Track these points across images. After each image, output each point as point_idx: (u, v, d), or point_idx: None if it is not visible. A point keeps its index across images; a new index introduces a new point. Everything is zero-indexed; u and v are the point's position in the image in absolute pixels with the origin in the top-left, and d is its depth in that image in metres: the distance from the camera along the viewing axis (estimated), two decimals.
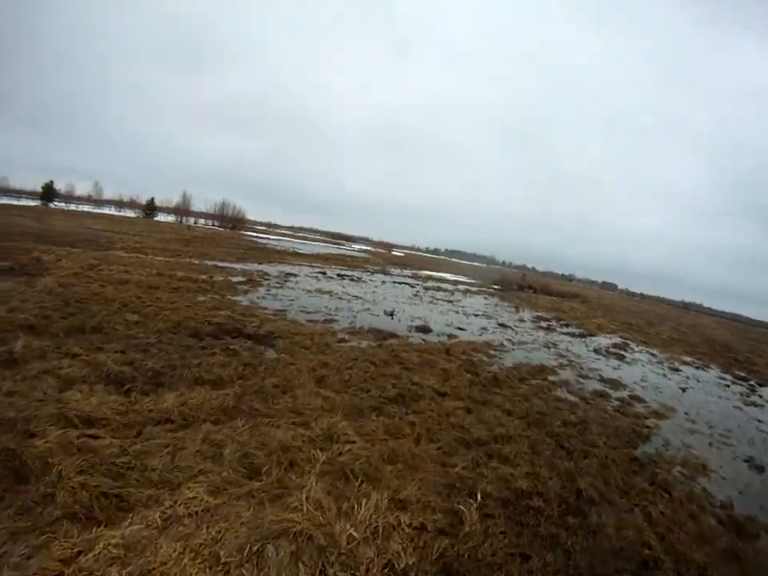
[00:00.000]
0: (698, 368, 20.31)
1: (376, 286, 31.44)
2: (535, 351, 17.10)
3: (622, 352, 20.14)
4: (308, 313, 17.25)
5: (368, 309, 20.71)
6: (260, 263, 32.76)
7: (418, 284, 39.51)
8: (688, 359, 22.23)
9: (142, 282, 16.62)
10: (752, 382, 19.14)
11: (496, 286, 51.22)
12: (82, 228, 35.67)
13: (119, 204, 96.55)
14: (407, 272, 55.28)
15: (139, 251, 26.56)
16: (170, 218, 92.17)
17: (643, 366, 18.21)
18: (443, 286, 42.05)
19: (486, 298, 38.22)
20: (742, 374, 20.71)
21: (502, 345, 17.62)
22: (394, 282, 37.26)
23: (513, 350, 16.79)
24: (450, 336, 17.66)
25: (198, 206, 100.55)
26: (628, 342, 24.47)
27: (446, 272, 65.58)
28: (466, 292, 39.97)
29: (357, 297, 24.01)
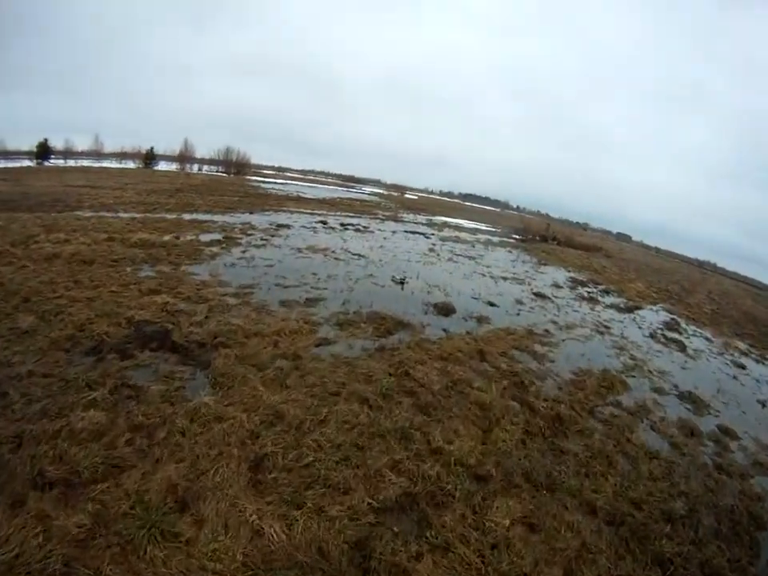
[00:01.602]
0: (757, 362, 17.29)
1: (385, 238, 27.17)
2: (589, 342, 13.52)
3: (678, 336, 17.42)
4: (285, 288, 12.65)
5: (371, 275, 16.11)
6: (251, 213, 28.81)
7: (433, 234, 35.14)
8: (742, 346, 19.16)
9: (77, 254, 12.91)
10: None
11: (517, 236, 46.20)
12: (61, 186, 31.01)
13: (121, 156, 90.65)
14: (421, 218, 50.15)
15: (109, 209, 22.33)
16: (173, 167, 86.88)
17: (707, 360, 15.24)
18: (461, 235, 38.15)
19: (509, 251, 34.15)
20: None
21: (547, 332, 13.43)
22: (407, 232, 32.73)
23: (563, 341, 12.93)
24: (480, 320, 13.19)
25: (204, 152, 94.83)
26: (675, 317, 21.40)
27: (461, 218, 60.20)
28: (487, 244, 35.97)
29: (359, 255, 19.28)
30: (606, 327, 15.85)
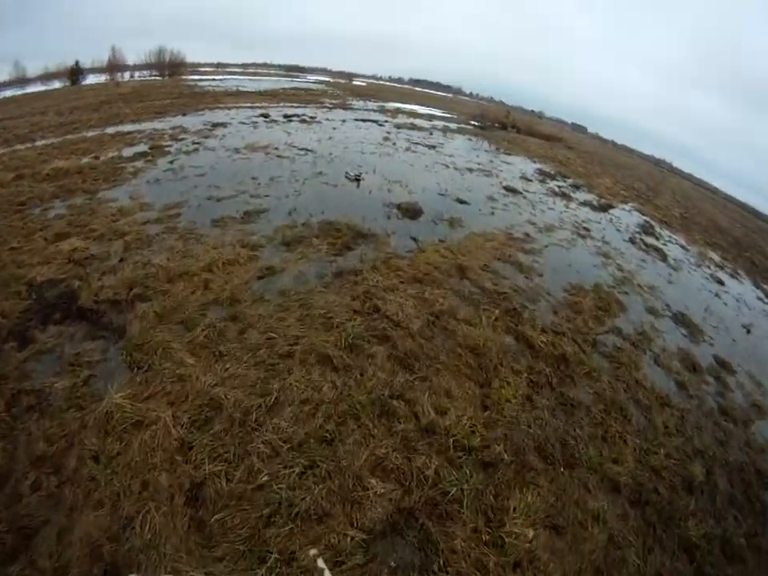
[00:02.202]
0: (731, 277, 17.09)
1: (334, 128, 23.68)
2: (573, 248, 12.51)
3: (656, 242, 17.03)
4: (219, 201, 10.36)
5: (321, 173, 13.76)
6: (183, 115, 24.20)
7: (387, 121, 31.43)
8: (716, 257, 19.05)
9: None
10: None
11: (476, 123, 43.44)
12: None
13: (46, 78, 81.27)
14: (372, 104, 44.57)
15: (24, 139, 18.24)
16: (102, 79, 78.95)
17: (689, 273, 14.91)
18: (417, 122, 34.07)
19: (470, 139, 31.22)
20: None
21: (527, 236, 12.07)
22: (358, 121, 28.90)
23: (545, 247, 11.72)
24: (452, 222, 11.48)
25: (136, 59, 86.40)
26: (648, 220, 20.78)
27: (415, 104, 56.47)
28: (445, 131, 32.49)
29: (306, 150, 16.69)
30: (585, 230, 14.81)
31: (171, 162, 13.49)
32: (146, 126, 20.15)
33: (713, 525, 5.12)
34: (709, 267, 16.63)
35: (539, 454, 5.12)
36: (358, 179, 13.38)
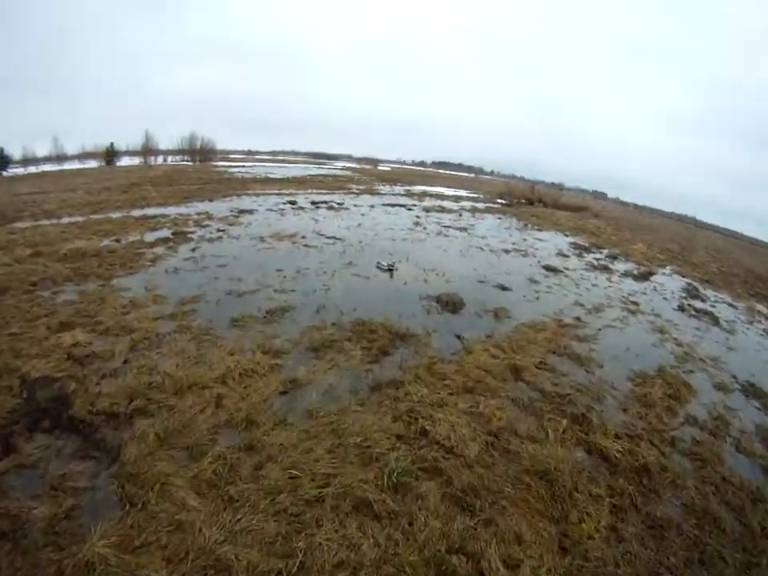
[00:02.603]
0: None
1: (363, 215, 23.41)
2: (627, 328, 11.43)
3: (703, 305, 16.17)
4: (240, 297, 9.57)
5: (350, 263, 13.04)
6: (210, 200, 24.29)
7: (415, 205, 31.20)
8: (764, 310, 18.00)
9: None
10: None
11: (502, 201, 43.36)
12: (7, 197, 26.80)
13: (83, 157, 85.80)
14: (398, 188, 45.21)
15: (51, 215, 18.45)
16: (136, 161, 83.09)
17: (744, 333, 13.64)
18: (445, 204, 34.02)
19: (499, 218, 30.55)
20: None
21: (578, 320, 11.07)
22: (386, 206, 28.68)
23: (599, 330, 10.70)
24: (497, 313, 10.47)
25: (168, 144, 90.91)
26: (690, 282, 20.03)
27: (439, 186, 56.96)
28: (473, 211, 32.24)
29: (334, 239, 16.11)
30: (634, 304, 13.77)
31: (193, 250, 13.02)
32: (171, 210, 20.16)
33: None
34: (761, 322, 15.76)
35: None
36: (390, 269, 12.65)
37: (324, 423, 5.55)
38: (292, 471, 4.67)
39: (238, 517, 4.11)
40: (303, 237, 15.98)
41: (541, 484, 5.01)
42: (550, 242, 22.52)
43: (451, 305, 10.27)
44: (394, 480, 4.64)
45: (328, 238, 16.26)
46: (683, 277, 20.58)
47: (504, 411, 6.25)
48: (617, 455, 5.82)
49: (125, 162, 78.68)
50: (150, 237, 14.46)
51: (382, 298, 10.28)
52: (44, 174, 52.29)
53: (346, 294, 10.21)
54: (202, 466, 4.65)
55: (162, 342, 7.22)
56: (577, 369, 8.22)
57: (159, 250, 12.90)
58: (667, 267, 22.51)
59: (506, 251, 18.36)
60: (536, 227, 27.78)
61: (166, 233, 15.22)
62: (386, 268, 12.66)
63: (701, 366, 9.76)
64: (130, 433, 5.05)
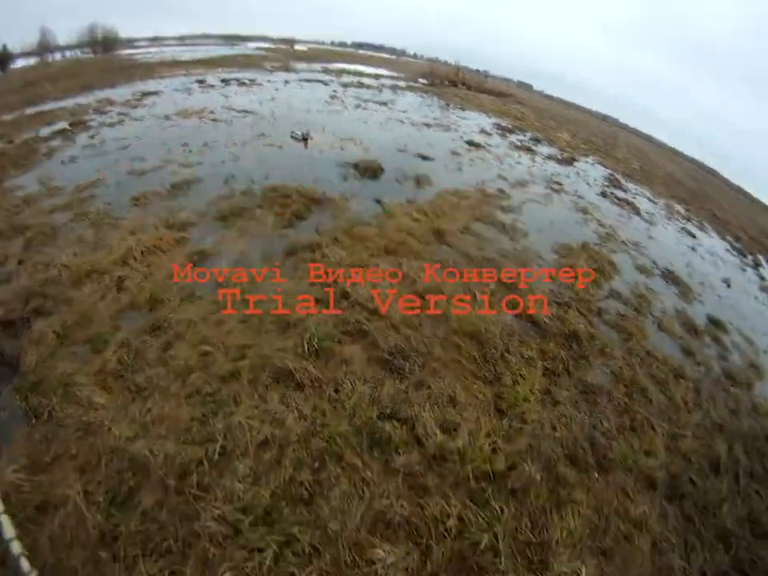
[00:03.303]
0: (700, 230, 16.70)
1: (276, 89, 20.75)
2: (550, 204, 11.57)
3: (625, 195, 16.44)
4: (142, 175, 8.51)
5: (263, 134, 11.82)
6: (112, 87, 21.73)
7: (332, 80, 27.65)
8: (682, 210, 18.58)
9: None
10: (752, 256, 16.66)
11: (424, 81, 41.71)
12: None
13: None
14: (316, 65, 41.73)
15: None
16: (32, 62, 73.69)
17: (664, 227, 14.34)
18: (364, 81, 31.39)
19: (421, 96, 28.42)
20: (737, 244, 17.72)
21: (502, 192, 10.83)
22: (301, 81, 25.33)
23: (523, 204, 10.59)
24: (419, 181, 9.94)
25: (67, 38, 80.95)
26: (612, 173, 19.84)
27: (359, 64, 54.08)
28: (394, 88, 29.12)
29: (246, 112, 14.59)
30: (557, 184, 13.70)
31: (92, 137, 11.41)
32: (70, 101, 17.55)
33: (740, 506, 4.67)
34: (678, 220, 16.18)
35: (571, 461, 4.12)
36: (306, 139, 11.54)
37: (235, 298, 4.99)
38: (203, 347, 4.20)
39: (148, 407, 3.67)
40: (212, 112, 14.33)
41: (471, 345, 4.83)
42: (473, 121, 21.60)
43: (370, 171, 9.59)
44: (315, 346, 4.25)
45: (239, 111, 14.70)
46: (605, 168, 20.48)
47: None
48: (546, 321, 5.78)
49: (20, 64, 70.35)
50: (45, 131, 12.57)
51: (296, 165, 9.45)
52: None
53: (257, 164, 9.29)
54: (105, 358, 4.12)
55: (59, 235, 6.35)
56: (501, 236, 8.01)
57: (55, 142, 11.24)
58: (590, 157, 22.29)
59: (428, 125, 17.46)
60: (459, 107, 26.59)
61: (62, 125, 13.26)
62: (301, 137, 11.60)
63: (623, 248, 9.97)
64: (28, 338, 4.41)
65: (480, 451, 3.73)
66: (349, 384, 3.97)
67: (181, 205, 7.21)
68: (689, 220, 17.12)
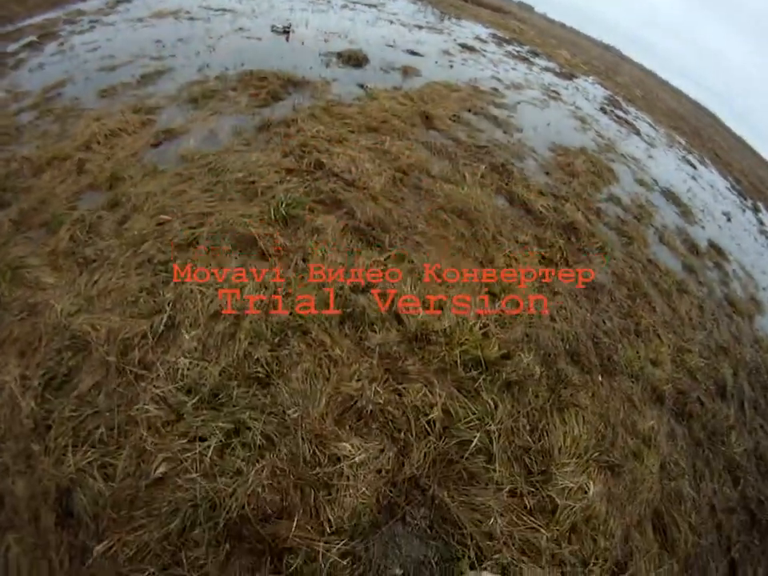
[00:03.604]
0: (700, 163, 15.87)
1: None
2: (547, 109, 10.72)
3: (625, 116, 15.54)
4: (112, 71, 7.77)
5: (241, 28, 10.87)
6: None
7: None
8: (683, 141, 17.72)
9: None
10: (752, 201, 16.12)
11: None
12: None
13: None
14: None
15: None
16: None
17: (664, 152, 13.60)
18: None
19: (414, 2, 27.26)
20: (737, 186, 17.09)
21: (495, 90, 10.03)
22: None
23: (517, 104, 9.81)
24: (406, 71, 9.13)
25: None
26: (612, 95, 18.84)
27: None
28: None
29: (225, 10, 13.23)
30: (555, 93, 12.76)
31: (61, 44, 10.40)
32: (38, 18, 16.70)
33: (747, 438, 4.43)
34: (679, 150, 15.38)
35: (572, 359, 3.66)
36: (287, 31, 10.57)
37: (201, 165, 4.51)
38: (160, 217, 3.74)
39: (95, 279, 3.26)
40: (188, 12, 13.00)
41: (460, 223, 4.38)
42: (468, 30, 20.00)
43: (354, 59, 8.77)
44: (283, 212, 3.76)
45: (216, 10, 13.35)
46: (605, 89, 19.29)
47: (413, 152, 5.38)
48: (542, 209, 5.35)
49: None
50: (12, 47, 11.79)
51: (275, 55, 8.64)
52: None
53: (233, 54, 8.46)
54: (59, 237, 3.70)
55: (23, 133, 5.80)
56: (494, 129, 7.41)
57: (23, 55, 10.25)
58: (590, 77, 20.84)
59: (419, 27, 16.21)
60: (454, 16, 24.65)
61: (30, 38, 12.57)
62: (282, 30, 10.67)
63: (622, 160, 9.37)
64: None
65: (470, 333, 3.28)
66: (319, 253, 3.51)
67: (150, 92, 6.54)
68: (689, 152, 16.32)
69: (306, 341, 2.96)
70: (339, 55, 8.92)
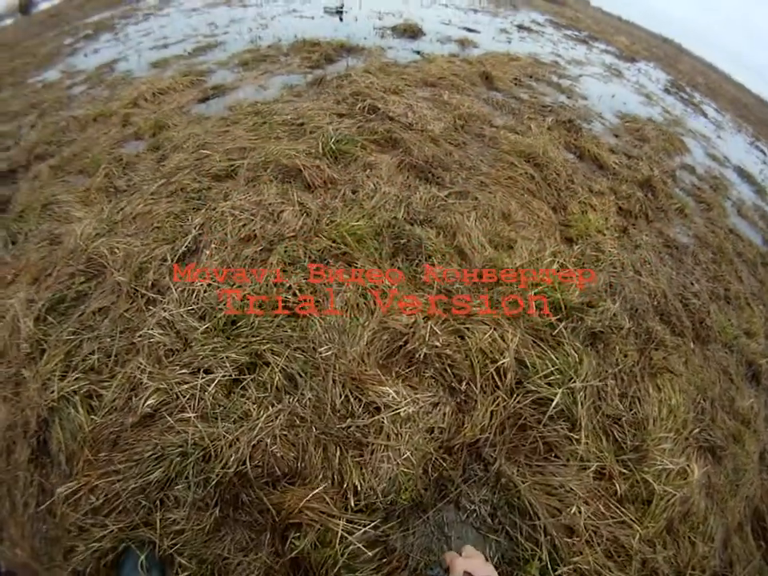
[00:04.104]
0: None
1: None
2: (610, 83, 9.95)
3: (689, 98, 14.43)
4: (164, 48, 7.83)
5: (294, 11, 10.71)
6: (138, 0, 21.28)
7: None
8: (750, 129, 16.25)
9: None
10: None
11: None
12: None
13: None
14: None
15: None
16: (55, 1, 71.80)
17: (732, 135, 12.65)
18: None
19: None
20: None
21: (556, 64, 9.43)
22: None
23: (579, 76, 9.18)
24: (464, 43, 8.71)
25: None
26: (675, 80, 17.23)
27: None
28: None
29: None
30: (617, 71, 12.07)
31: (115, 34, 10.93)
32: (95, 17, 16.79)
33: None
34: (747, 136, 14.17)
35: (662, 319, 3.11)
36: (340, 12, 10.32)
37: (248, 112, 4.23)
38: (200, 152, 3.45)
39: (121, 206, 3.00)
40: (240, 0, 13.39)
41: (528, 166, 3.89)
42: (523, 15, 19.11)
43: (410, 32, 8.48)
44: (333, 147, 3.37)
45: None
46: (668, 74, 18.07)
47: (474, 104, 4.93)
48: (615, 165, 4.83)
49: (44, 6, 68.71)
50: (68, 40, 12.00)
51: (328, 28, 8.47)
52: None
53: (286, 30, 8.21)
54: (95, 177, 3.51)
55: (74, 101, 5.87)
56: (557, 93, 6.90)
57: (79, 44, 10.79)
58: (651, 62, 19.57)
59: (475, 11, 15.65)
60: (510, 3, 24.59)
61: (87, 32, 12.66)
62: (335, 10, 10.44)
63: (691, 135, 8.67)
64: (25, 175, 4.00)
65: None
66: (371, 185, 3.11)
67: (201, 61, 6.47)
68: (757, 139, 14.92)
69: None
70: (394, 29, 8.69)
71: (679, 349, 2.98)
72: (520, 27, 14.16)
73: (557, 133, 4.91)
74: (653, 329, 2.91)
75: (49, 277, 2.61)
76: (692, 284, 3.72)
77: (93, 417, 1.94)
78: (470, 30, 10.61)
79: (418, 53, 7.13)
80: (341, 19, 9.88)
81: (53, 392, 2.00)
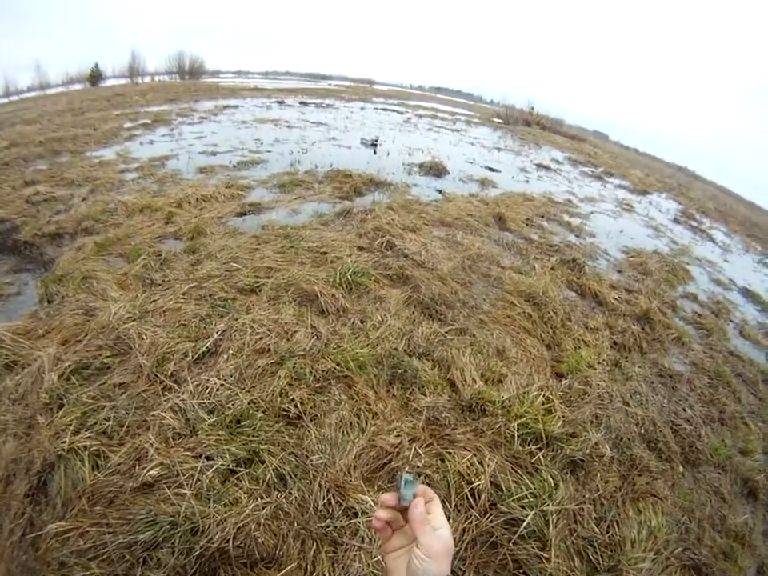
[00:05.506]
0: None
1: (352, 112, 20.95)
2: (620, 219, 10.62)
3: (699, 226, 15.09)
4: (213, 155, 8.61)
5: (333, 138, 11.81)
6: (196, 101, 22.70)
7: (407, 111, 27.78)
8: (758, 246, 16.67)
9: None
10: None
11: (498, 119, 41.63)
12: None
13: (67, 82, 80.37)
14: (392, 101, 43.69)
15: (28, 122, 16.62)
16: (122, 81, 78.27)
17: (740, 256, 12.97)
18: (439, 114, 30.97)
19: (494, 130, 28.21)
20: None
21: (569, 202, 10.08)
22: (377, 109, 25.56)
23: (591, 213, 9.81)
24: (484, 182, 9.43)
25: (155, 64, 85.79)
26: (685, 208, 18.37)
27: (436, 103, 54.96)
28: (468, 122, 29.38)
29: (319, 123, 14.79)
30: (628, 205, 12.76)
31: (171, 130, 11.87)
32: (154, 108, 18.28)
33: None
34: (755, 254, 14.55)
35: (648, 446, 3.24)
36: (375, 144, 11.31)
37: (279, 234, 4.70)
38: (231, 264, 3.89)
39: (155, 297, 3.38)
40: (287, 121, 14.49)
41: (527, 306, 4.23)
42: (544, 153, 20.76)
43: (435, 170, 9.23)
44: (349, 278, 3.77)
45: (313, 122, 14.81)
46: (679, 204, 19.09)
47: (485, 245, 5.39)
48: (614, 301, 5.15)
49: (110, 83, 73.65)
50: (128, 125, 13.07)
51: (362, 160, 9.24)
52: (26, 100, 49.41)
53: (323, 157, 9.14)
54: (134, 266, 3.95)
55: (124, 185, 6.51)
56: (566, 232, 7.44)
57: (137, 131, 11.78)
58: (663, 193, 20.87)
59: (498, 149, 16.93)
60: (532, 142, 25.94)
61: (145, 121, 13.84)
62: (370, 143, 11.39)
63: (697, 263, 9.04)
64: (69, 246, 4.49)
65: (531, 406, 2.96)
66: (378, 317, 3.44)
67: (243, 175, 7.18)
68: (766, 256, 15.26)
69: (349, 392, 2.82)
70: (421, 166, 9.53)
71: (665, 473, 3.10)
72: (539, 166, 15.07)
73: (560, 272, 5.31)
74: (637, 455, 3.05)
75: (78, 342, 2.91)
76: (684, 410, 3.84)
77: (96, 473, 2.15)
78: (491, 170, 11.50)
79: (440, 191, 7.84)
80: (375, 152, 10.82)
81: (64, 442, 2.23)
